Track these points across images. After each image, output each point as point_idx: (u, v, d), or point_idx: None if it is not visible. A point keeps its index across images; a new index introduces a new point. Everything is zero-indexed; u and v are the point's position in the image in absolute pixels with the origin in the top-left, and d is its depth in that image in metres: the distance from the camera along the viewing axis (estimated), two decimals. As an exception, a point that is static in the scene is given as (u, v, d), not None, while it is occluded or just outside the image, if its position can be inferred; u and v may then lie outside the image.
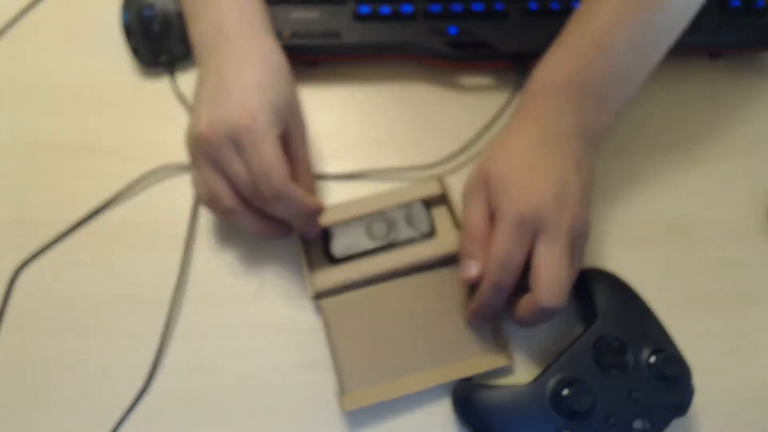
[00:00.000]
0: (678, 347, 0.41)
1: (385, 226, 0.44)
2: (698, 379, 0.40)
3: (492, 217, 0.39)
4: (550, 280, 0.37)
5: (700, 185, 0.51)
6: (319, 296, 0.44)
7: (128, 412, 0.42)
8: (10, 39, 0.56)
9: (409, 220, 0.44)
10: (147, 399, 0.43)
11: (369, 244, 0.44)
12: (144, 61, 0.53)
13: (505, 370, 0.43)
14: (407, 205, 0.45)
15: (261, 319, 0.45)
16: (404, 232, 0.44)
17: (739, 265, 0.48)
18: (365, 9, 0.51)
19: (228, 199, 0.39)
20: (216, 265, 0.47)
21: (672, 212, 0.49)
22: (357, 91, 0.53)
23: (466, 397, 0.41)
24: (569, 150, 0.40)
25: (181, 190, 0.49)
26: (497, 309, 0.40)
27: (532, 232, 0.37)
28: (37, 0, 0.57)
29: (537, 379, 0.40)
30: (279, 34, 0.50)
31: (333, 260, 0.44)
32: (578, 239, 0.39)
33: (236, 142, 0.37)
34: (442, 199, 0.47)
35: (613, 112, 0.43)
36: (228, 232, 0.48)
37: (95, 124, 0.52)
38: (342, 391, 0.41)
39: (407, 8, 0.51)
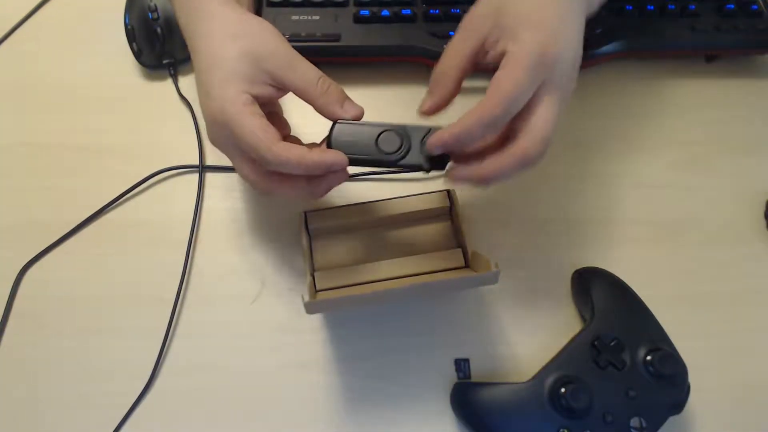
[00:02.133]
0: (674, 346, 0.41)
1: (397, 140, 0.38)
2: (694, 378, 0.40)
3: (480, 55, 0.37)
4: (546, 133, 0.35)
5: (698, 186, 0.51)
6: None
7: (131, 411, 0.43)
8: (14, 41, 0.56)
9: (425, 145, 0.38)
10: (149, 398, 0.43)
11: (371, 152, 0.38)
12: (146, 63, 0.54)
13: (502, 365, 0.44)
14: (429, 129, 0.39)
15: (261, 319, 0.45)
16: (414, 156, 0.38)
17: (737, 265, 0.48)
18: (365, 12, 0.52)
19: (255, 179, 0.39)
20: (218, 266, 0.47)
21: (669, 212, 0.50)
22: (357, 93, 0.53)
23: (465, 395, 0.41)
24: (584, 9, 0.38)
25: (184, 191, 0.50)
26: (474, 144, 0.37)
27: (545, 74, 0.35)
28: (41, 3, 0.57)
29: (535, 377, 0.40)
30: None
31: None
32: (566, 102, 0.37)
33: (224, 133, 0.37)
34: (449, 213, 0.47)
35: None
36: (230, 232, 0.48)
37: (99, 126, 0.52)
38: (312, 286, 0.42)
39: (407, 11, 0.52)
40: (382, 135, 0.38)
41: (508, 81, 0.35)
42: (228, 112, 0.36)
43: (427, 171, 0.38)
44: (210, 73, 0.37)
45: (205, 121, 0.39)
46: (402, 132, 0.38)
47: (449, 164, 0.39)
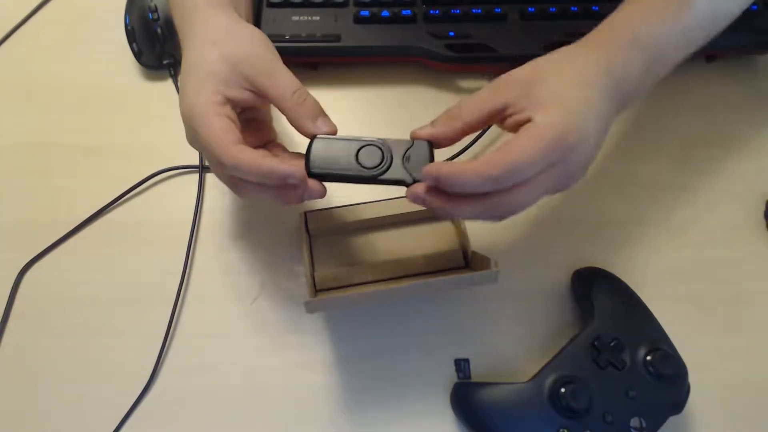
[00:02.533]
0: (674, 346, 0.41)
1: (378, 154, 0.37)
2: (694, 378, 0.40)
3: (499, 116, 0.36)
4: (522, 202, 0.35)
5: (697, 186, 0.51)
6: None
7: (131, 411, 0.43)
8: (15, 41, 0.56)
9: (407, 159, 0.37)
10: (149, 398, 0.43)
11: (351, 168, 0.37)
12: (146, 63, 0.54)
13: (503, 361, 0.44)
14: (412, 143, 0.37)
15: (261, 319, 0.45)
16: (396, 171, 0.37)
17: (736, 265, 0.48)
18: (365, 12, 0.52)
19: (224, 181, 0.39)
20: (218, 266, 0.47)
21: (669, 212, 0.50)
22: (357, 94, 0.54)
23: (465, 395, 0.41)
24: (614, 109, 0.37)
25: (184, 192, 0.50)
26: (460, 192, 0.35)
27: (558, 157, 0.34)
28: (41, 3, 0.57)
29: (535, 377, 0.40)
30: (281, 37, 0.51)
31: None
32: (557, 190, 0.37)
33: (192, 134, 0.37)
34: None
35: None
36: (230, 233, 0.48)
37: (99, 126, 0.52)
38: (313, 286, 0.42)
39: (407, 11, 0.52)
40: (362, 150, 0.37)
41: (521, 150, 0.33)
42: (195, 112, 0.36)
43: (409, 186, 0.36)
44: (188, 75, 0.38)
45: (184, 124, 0.38)
46: (383, 146, 0.37)
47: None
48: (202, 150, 0.38)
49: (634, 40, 0.38)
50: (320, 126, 0.38)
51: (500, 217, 0.36)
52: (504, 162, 0.33)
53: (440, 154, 0.51)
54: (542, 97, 0.35)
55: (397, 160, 0.37)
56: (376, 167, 0.37)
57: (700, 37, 0.41)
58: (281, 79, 0.38)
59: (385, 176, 0.37)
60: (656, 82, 0.40)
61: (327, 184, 0.49)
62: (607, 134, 0.37)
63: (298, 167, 0.36)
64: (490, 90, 0.37)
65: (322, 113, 0.38)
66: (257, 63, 0.38)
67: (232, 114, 0.37)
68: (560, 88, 0.36)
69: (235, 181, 0.37)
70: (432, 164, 0.35)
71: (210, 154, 0.36)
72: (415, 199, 0.36)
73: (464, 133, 0.37)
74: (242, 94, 0.38)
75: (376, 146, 0.37)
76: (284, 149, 0.40)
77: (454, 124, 0.37)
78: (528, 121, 0.35)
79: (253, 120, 0.41)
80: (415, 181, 0.36)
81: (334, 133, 0.38)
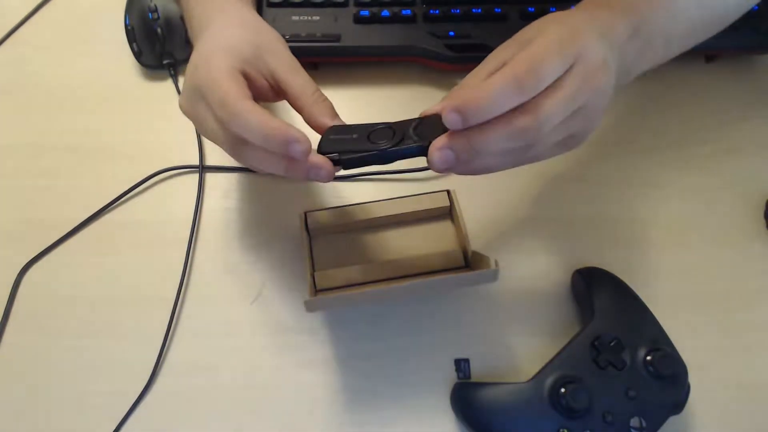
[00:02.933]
0: (674, 346, 0.41)
1: (389, 132, 0.37)
2: (694, 378, 0.40)
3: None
4: (551, 119, 0.33)
5: (697, 186, 0.51)
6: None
7: (131, 411, 0.43)
8: (15, 41, 0.56)
9: (418, 131, 0.36)
10: (149, 398, 0.43)
11: (364, 147, 0.36)
12: (146, 63, 0.54)
13: (502, 359, 0.44)
14: (420, 119, 0.37)
15: (261, 319, 0.45)
16: (410, 141, 0.36)
17: (736, 265, 0.48)
18: (365, 12, 0.52)
19: (224, 141, 0.37)
20: (218, 266, 0.47)
21: (669, 212, 0.50)
22: (357, 94, 0.54)
23: (465, 395, 0.41)
24: (616, 67, 0.36)
25: (184, 191, 0.50)
26: (486, 117, 0.33)
27: (574, 57, 0.33)
28: (41, 3, 0.58)
29: (535, 377, 0.40)
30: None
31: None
32: (591, 105, 0.35)
33: (200, 94, 0.36)
34: (449, 213, 0.47)
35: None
36: (230, 233, 0.48)
37: (99, 126, 0.52)
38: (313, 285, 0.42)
39: (407, 11, 0.52)
40: (373, 132, 0.37)
41: (536, 46, 0.32)
42: (210, 69, 0.36)
43: (426, 152, 0.35)
44: (210, 44, 0.38)
45: (184, 87, 0.38)
46: (392, 126, 0.37)
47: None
48: (209, 108, 0.36)
49: (625, 10, 0.38)
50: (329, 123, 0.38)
51: (532, 152, 0.34)
52: (524, 59, 0.32)
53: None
54: (538, 26, 0.36)
55: (409, 133, 0.36)
56: (388, 141, 0.36)
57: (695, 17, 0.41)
58: (303, 76, 0.39)
59: (400, 146, 0.36)
60: (651, 64, 0.40)
61: (326, 183, 0.49)
62: (613, 94, 0.36)
63: (302, 134, 0.34)
64: (489, 57, 0.37)
65: (336, 115, 0.39)
66: (283, 57, 0.39)
67: (245, 83, 0.37)
68: (558, 19, 0.36)
69: (238, 144, 0.36)
70: (448, 99, 0.33)
71: (219, 108, 0.35)
72: (440, 156, 0.34)
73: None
74: (260, 79, 0.38)
75: (388, 127, 0.37)
76: None
77: (463, 94, 0.35)
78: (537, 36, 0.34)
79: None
80: (428, 144, 0.35)
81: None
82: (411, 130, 0.36)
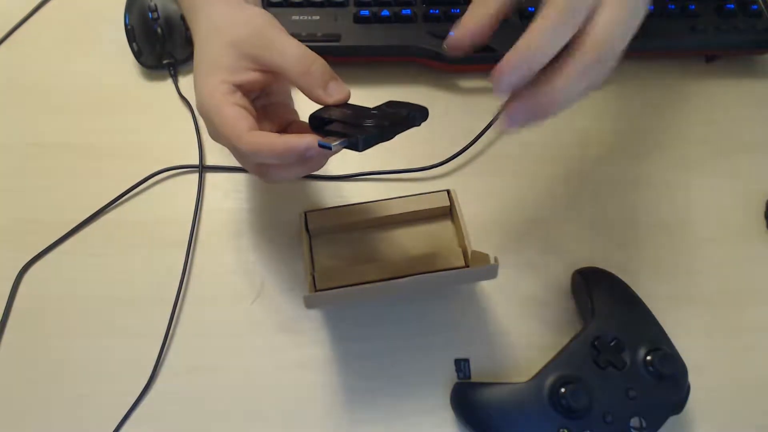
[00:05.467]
0: (674, 346, 0.41)
1: (392, 108, 0.37)
2: (694, 378, 0.40)
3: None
4: (613, 30, 0.31)
5: (698, 186, 0.51)
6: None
7: (131, 411, 0.42)
8: (14, 41, 0.56)
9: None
10: (149, 398, 0.43)
11: (367, 117, 0.36)
12: (146, 63, 0.54)
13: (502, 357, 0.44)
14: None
15: (261, 319, 0.45)
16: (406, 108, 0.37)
17: (736, 265, 0.48)
18: (365, 12, 0.52)
19: (248, 168, 0.39)
20: (218, 266, 0.47)
21: (669, 212, 0.50)
22: (357, 94, 0.53)
23: (465, 395, 0.41)
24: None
25: (184, 191, 0.50)
26: (539, 63, 0.32)
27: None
28: (41, 3, 0.57)
29: (535, 377, 0.40)
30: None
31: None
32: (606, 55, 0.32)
33: (212, 126, 0.37)
34: (449, 213, 0.47)
35: None
36: (230, 233, 0.48)
37: (99, 126, 0.52)
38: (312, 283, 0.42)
39: (407, 11, 0.52)
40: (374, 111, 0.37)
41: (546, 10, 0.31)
42: (207, 104, 0.36)
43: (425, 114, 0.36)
44: (198, 68, 0.38)
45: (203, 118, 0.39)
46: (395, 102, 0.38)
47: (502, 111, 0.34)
48: (221, 143, 0.38)
49: None
50: (332, 93, 0.36)
51: (610, 54, 0.32)
52: (554, 4, 0.31)
53: (437, 156, 0.51)
54: None
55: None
56: (390, 114, 0.36)
57: None
58: (284, 49, 0.36)
59: (399, 115, 0.36)
60: None
61: (326, 183, 0.49)
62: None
63: (310, 138, 0.34)
64: None
65: (332, 77, 0.37)
66: (257, 40, 0.37)
67: (243, 101, 0.37)
68: None
69: (261, 168, 0.38)
70: (500, 63, 0.33)
71: (228, 146, 0.37)
72: (516, 115, 0.33)
73: (497, 21, 0.34)
74: (250, 76, 0.37)
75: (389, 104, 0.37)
76: (307, 127, 0.39)
77: (487, 11, 0.34)
78: None
79: (270, 105, 0.41)
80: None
81: (348, 97, 0.37)
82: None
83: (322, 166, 0.38)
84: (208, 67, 0.37)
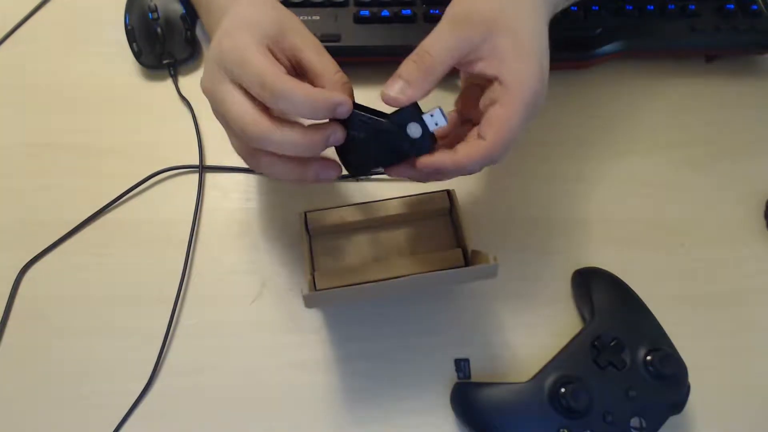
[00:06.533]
0: (674, 346, 0.41)
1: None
2: (694, 378, 0.40)
3: (466, 61, 0.37)
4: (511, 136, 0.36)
5: (698, 185, 0.51)
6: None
7: (131, 411, 0.43)
8: (15, 41, 0.56)
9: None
10: (149, 398, 0.43)
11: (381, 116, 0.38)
12: (146, 63, 0.54)
13: (501, 356, 0.44)
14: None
15: (261, 319, 0.45)
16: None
17: (737, 265, 0.48)
18: (365, 12, 0.52)
19: (243, 149, 0.38)
20: (218, 266, 0.47)
21: (669, 212, 0.50)
22: (357, 94, 0.53)
23: (465, 395, 0.41)
24: (546, 17, 0.40)
25: (184, 191, 0.50)
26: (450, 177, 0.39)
27: (536, 108, 0.37)
28: (41, 3, 0.58)
29: (535, 377, 0.40)
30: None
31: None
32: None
33: (226, 71, 0.36)
34: (449, 213, 0.47)
35: None
36: (230, 233, 0.48)
37: (99, 126, 0.52)
38: (312, 281, 0.42)
39: (407, 11, 0.52)
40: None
41: (508, 124, 0.36)
42: (240, 46, 0.35)
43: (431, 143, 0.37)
44: (236, 20, 0.37)
45: (207, 65, 0.37)
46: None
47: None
48: (235, 92, 0.36)
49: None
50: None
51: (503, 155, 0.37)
52: (499, 140, 0.36)
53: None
54: (505, 47, 0.36)
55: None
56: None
57: None
58: (326, 56, 0.38)
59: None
60: None
61: (328, 185, 0.49)
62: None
63: (344, 96, 0.36)
64: (455, 33, 0.37)
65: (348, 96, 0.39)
66: (306, 36, 0.38)
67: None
68: (517, 24, 0.37)
69: (256, 152, 0.37)
70: (436, 156, 0.37)
71: (257, 85, 0.35)
72: (424, 168, 0.38)
73: (427, 83, 0.37)
74: (282, 58, 0.37)
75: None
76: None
77: (433, 76, 0.36)
78: (496, 79, 0.36)
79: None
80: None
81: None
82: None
83: (314, 179, 0.38)
84: (248, 24, 0.37)
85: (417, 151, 0.37)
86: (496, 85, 0.36)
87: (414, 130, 0.37)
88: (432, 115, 0.37)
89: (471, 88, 0.41)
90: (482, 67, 0.37)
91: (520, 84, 0.36)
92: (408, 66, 0.37)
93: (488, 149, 0.36)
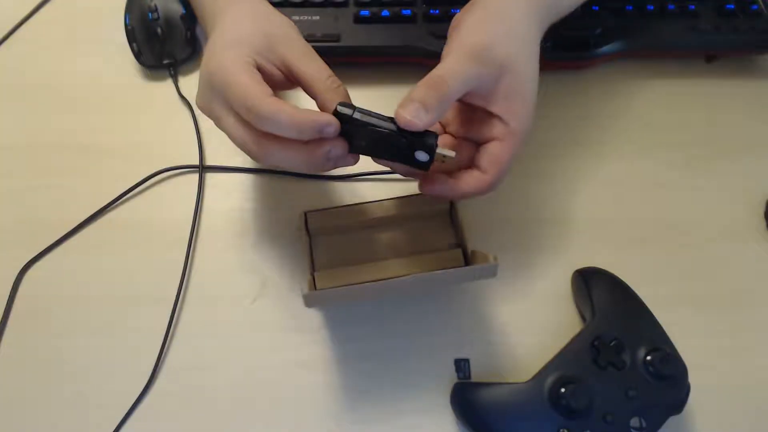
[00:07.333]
0: (674, 346, 0.41)
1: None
2: (694, 378, 0.40)
3: (473, 93, 0.38)
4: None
5: (698, 186, 0.51)
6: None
7: (131, 411, 0.42)
8: (15, 41, 0.56)
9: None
10: (149, 398, 0.43)
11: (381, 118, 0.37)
12: (146, 63, 0.54)
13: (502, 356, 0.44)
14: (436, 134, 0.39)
15: (261, 319, 0.45)
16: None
17: (736, 265, 0.48)
18: (365, 12, 0.52)
19: (247, 140, 0.37)
20: (218, 266, 0.47)
21: (669, 212, 0.50)
22: (357, 94, 0.53)
23: (465, 395, 0.41)
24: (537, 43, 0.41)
25: (184, 191, 0.50)
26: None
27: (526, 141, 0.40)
28: (41, 3, 0.58)
29: (535, 377, 0.40)
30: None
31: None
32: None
33: (216, 92, 0.36)
34: (449, 213, 0.47)
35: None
36: (230, 233, 0.48)
37: (99, 126, 0.52)
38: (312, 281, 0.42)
39: (407, 11, 0.52)
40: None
41: (508, 161, 0.39)
42: (224, 67, 0.36)
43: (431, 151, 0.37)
44: (221, 39, 0.38)
45: (200, 84, 0.38)
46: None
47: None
48: (229, 108, 0.36)
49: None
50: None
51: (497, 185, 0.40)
52: (498, 172, 0.39)
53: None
54: (512, 90, 0.38)
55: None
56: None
57: None
58: (317, 62, 0.38)
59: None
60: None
61: (327, 184, 0.49)
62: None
63: (330, 116, 0.35)
64: (473, 68, 0.37)
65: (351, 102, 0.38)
66: (295, 45, 0.39)
67: (260, 76, 0.37)
68: (525, 69, 0.39)
69: (266, 138, 0.36)
70: (432, 188, 0.40)
71: (242, 108, 0.35)
72: (431, 192, 0.40)
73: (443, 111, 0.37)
74: (273, 70, 0.38)
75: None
76: None
77: (445, 107, 0.37)
78: (499, 117, 0.38)
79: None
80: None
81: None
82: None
83: (325, 163, 0.37)
84: (233, 42, 0.37)
85: (417, 167, 0.38)
86: (497, 122, 0.39)
87: (422, 156, 0.37)
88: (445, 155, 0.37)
89: (462, 106, 0.42)
90: (487, 104, 0.39)
91: (521, 125, 0.38)
92: (424, 91, 0.36)
93: (491, 184, 0.39)
